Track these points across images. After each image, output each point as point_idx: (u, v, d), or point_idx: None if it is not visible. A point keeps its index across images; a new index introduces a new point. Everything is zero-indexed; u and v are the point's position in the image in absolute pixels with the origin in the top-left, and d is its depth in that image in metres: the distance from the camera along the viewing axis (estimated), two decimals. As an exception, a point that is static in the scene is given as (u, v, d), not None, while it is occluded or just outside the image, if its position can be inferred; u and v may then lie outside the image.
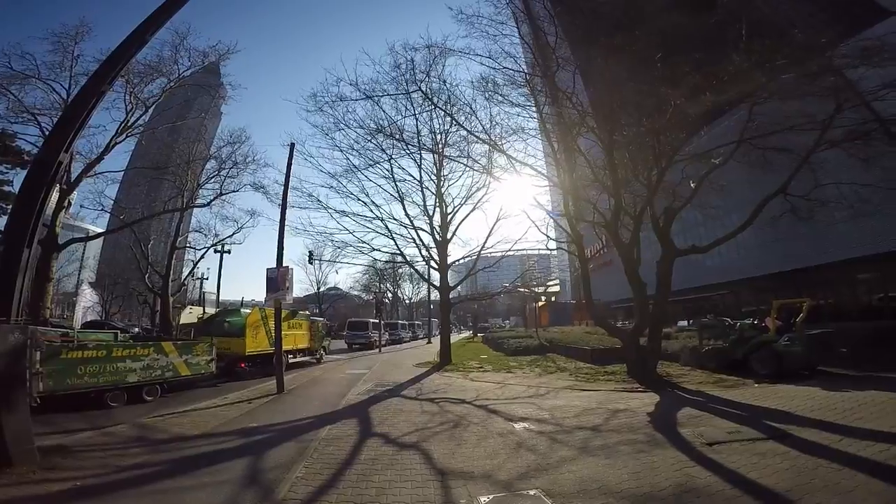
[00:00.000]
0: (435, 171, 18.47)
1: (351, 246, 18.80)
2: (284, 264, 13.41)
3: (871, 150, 11.81)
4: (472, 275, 19.56)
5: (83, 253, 56.94)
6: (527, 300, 40.12)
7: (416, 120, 17.12)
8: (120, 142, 24.81)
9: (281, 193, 15.87)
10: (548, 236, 19.32)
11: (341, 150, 17.71)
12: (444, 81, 15.57)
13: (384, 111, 16.91)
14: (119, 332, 13.19)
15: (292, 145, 14.40)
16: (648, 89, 13.22)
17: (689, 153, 14.90)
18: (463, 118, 15.73)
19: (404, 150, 17.45)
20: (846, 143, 11.72)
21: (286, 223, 13.72)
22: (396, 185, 18.21)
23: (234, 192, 29.28)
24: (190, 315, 19.85)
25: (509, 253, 20.08)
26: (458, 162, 17.47)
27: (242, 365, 15.44)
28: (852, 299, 21.93)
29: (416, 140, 17.41)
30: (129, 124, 24.40)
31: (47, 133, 22.92)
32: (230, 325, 16.52)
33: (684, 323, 26.70)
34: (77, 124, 6.54)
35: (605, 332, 17.73)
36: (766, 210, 12.83)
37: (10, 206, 27.42)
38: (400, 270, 68.70)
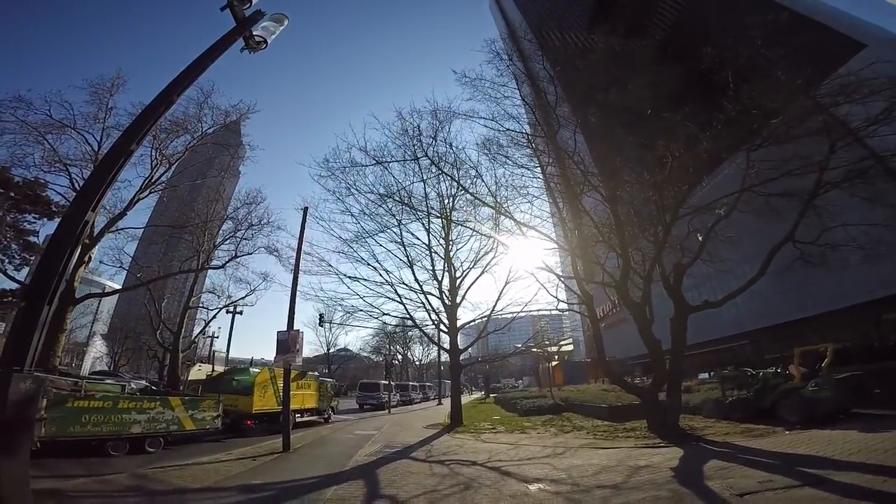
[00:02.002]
0: (443, 236, 18.81)
1: (361, 311, 18.79)
2: (295, 327, 13.43)
3: (873, 189, 11.89)
4: (482, 337, 19.26)
5: (97, 306, 57.70)
6: (539, 360, 39.03)
7: (424, 184, 17.74)
8: (143, 197, 25.75)
9: (293, 257, 16.36)
10: (557, 298, 19.23)
11: (352, 215, 18.20)
12: (451, 144, 16.35)
13: (393, 176, 17.63)
14: (126, 384, 13.05)
15: (305, 210, 14.92)
16: (647, 143, 13.76)
17: (694, 206, 15.12)
18: (469, 182, 16.35)
19: (413, 214, 17.94)
20: (846, 182, 11.78)
21: (298, 287, 13.87)
22: (406, 250, 18.50)
23: (248, 254, 29.94)
24: (199, 372, 19.67)
25: (520, 315, 19.87)
26: (465, 226, 17.93)
27: (249, 422, 15.09)
28: (879, 340, 21.08)
29: (424, 205, 17.90)
30: (153, 180, 25.42)
31: (77, 184, 24.03)
32: (238, 383, 16.35)
33: (705, 375, 25.72)
34: (106, 182, 6.92)
35: (622, 389, 17.13)
36: (777, 258, 12.74)
37: (33, 257, 28.37)
38: (410, 333, 68.30)
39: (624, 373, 32.85)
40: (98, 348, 58.19)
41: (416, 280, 18.20)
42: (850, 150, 12.01)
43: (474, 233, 18.89)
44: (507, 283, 18.61)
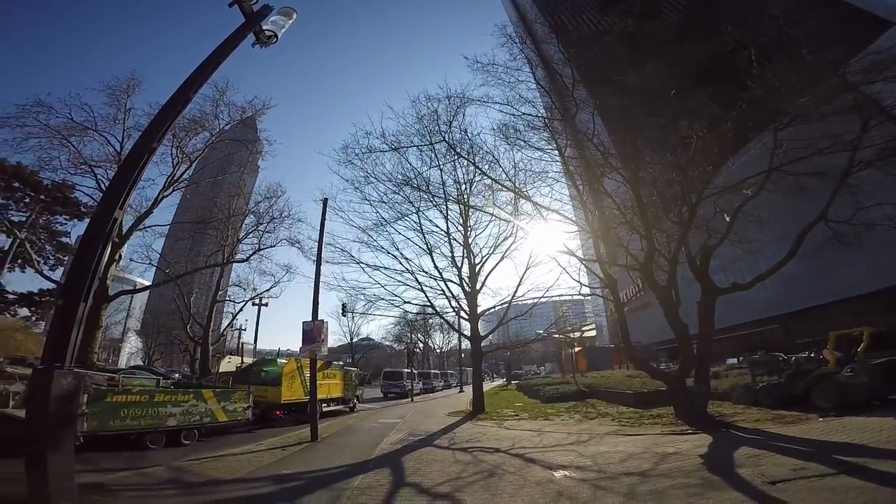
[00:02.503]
0: (461, 222, 18.76)
1: (383, 299, 19.01)
2: (319, 317, 13.68)
3: None
4: (503, 324, 19.23)
5: (130, 303, 59.96)
6: (562, 346, 38.82)
7: (441, 171, 17.67)
8: (167, 195, 26.50)
9: (315, 248, 16.58)
10: (580, 282, 19.02)
11: (371, 204, 18.32)
12: (466, 131, 16.21)
13: (410, 164, 17.69)
14: (161, 377, 13.59)
15: (325, 201, 15.00)
16: (669, 124, 13.32)
17: (720, 186, 14.62)
18: (486, 166, 16.15)
19: (430, 201, 17.92)
20: (880, 161, 11.27)
21: (320, 278, 14.07)
22: (425, 238, 18.55)
23: (271, 247, 30.61)
24: (229, 364, 20.32)
25: (541, 301, 19.72)
26: (484, 211, 17.80)
27: (278, 413, 15.55)
28: None
29: (441, 191, 17.88)
30: (175, 178, 26.04)
31: (102, 185, 24.69)
32: (267, 374, 16.80)
33: (733, 360, 25.18)
34: (131, 181, 7.09)
35: (648, 375, 16.92)
36: (809, 239, 12.28)
37: (66, 257, 29.54)
38: (430, 321, 68.76)
39: (649, 358, 32.39)
40: (133, 344, 60.69)
41: (436, 267, 18.30)
42: (883, 129, 11.42)
43: (493, 218, 18.76)
44: (527, 269, 18.51)
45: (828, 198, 12.02)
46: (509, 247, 18.96)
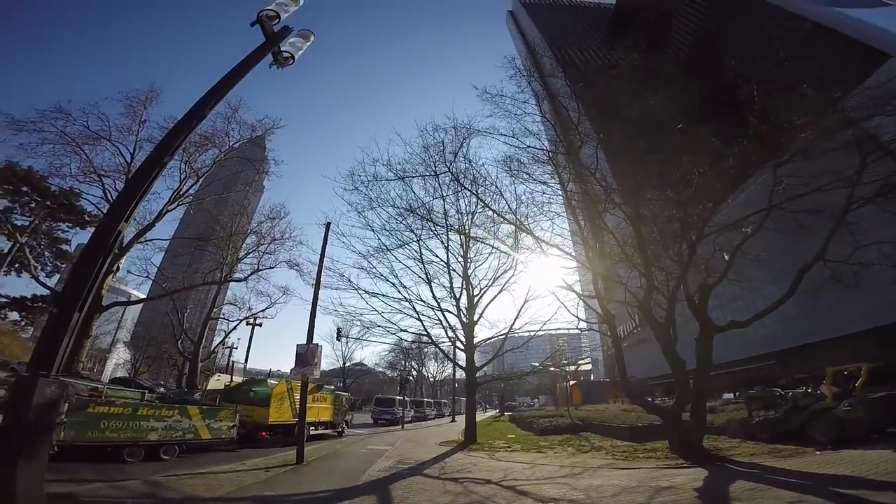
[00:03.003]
0: (462, 253, 18.71)
1: (379, 326, 18.64)
2: (314, 341, 13.44)
3: None
4: (499, 356, 18.88)
5: (122, 314, 59.16)
6: (557, 379, 38.19)
7: (444, 200, 17.72)
8: (171, 210, 26.50)
9: (314, 272, 16.56)
10: (578, 317, 18.88)
11: (373, 230, 18.25)
12: (471, 161, 16.27)
13: (414, 192, 17.68)
14: (146, 391, 13.17)
15: (328, 225, 14.99)
16: (671, 160, 13.47)
17: (719, 224, 14.69)
18: (489, 198, 16.18)
19: (432, 230, 17.91)
20: (879, 197, 11.26)
21: (318, 301, 13.91)
22: (424, 267, 18.40)
23: (270, 268, 30.53)
24: (217, 382, 19.79)
25: (538, 334, 19.39)
26: (485, 243, 17.72)
27: (264, 434, 15.06)
28: None
29: (443, 221, 17.82)
30: (181, 193, 26.09)
31: (109, 195, 24.80)
32: (256, 394, 16.38)
33: (730, 395, 24.82)
34: (139, 194, 7.07)
35: (643, 409, 16.56)
36: (807, 277, 12.24)
37: (64, 265, 29.29)
38: (426, 350, 67.85)
39: (645, 393, 31.86)
40: (120, 355, 59.45)
41: (434, 297, 18.09)
42: (882, 164, 11.51)
43: (493, 251, 18.75)
44: (525, 302, 18.34)
45: (825, 236, 12.04)
46: (508, 280, 18.86)
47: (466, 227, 18.00)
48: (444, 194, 17.28)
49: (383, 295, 18.20)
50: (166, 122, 25.42)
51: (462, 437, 19.64)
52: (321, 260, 14.03)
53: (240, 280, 30.30)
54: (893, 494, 5.80)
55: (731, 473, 8.69)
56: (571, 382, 35.68)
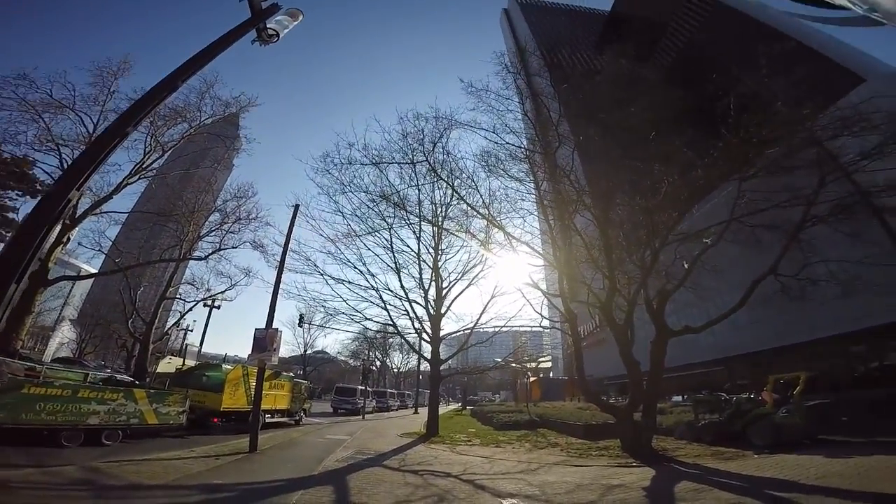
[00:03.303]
0: (433, 245, 18.55)
1: (343, 314, 18.21)
2: (274, 326, 12.98)
3: (856, 225, 12.15)
4: (464, 349, 18.88)
5: (70, 290, 55.63)
6: (518, 375, 38.81)
7: (419, 190, 17.47)
8: (132, 182, 24.97)
9: (279, 254, 16.04)
10: (542, 315, 19.15)
11: (344, 216, 17.76)
12: (449, 153, 16.08)
13: (388, 180, 17.34)
14: (89, 372, 12.21)
15: (296, 206, 14.51)
16: (643, 167, 13.78)
17: (682, 233, 15.20)
18: (464, 191, 16.10)
19: (405, 219, 17.63)
20: (831, 217, 11.92)
21: (280, 285, 13.44)
22: (394, 256, 18.11)
23: (233, 248, 29.25)
24: (169, 364, 18.75)
25: (503, 329, 19.56)
26: (457, 235, 17.63)
27: (215, 420, 14.43)
28: (847, 371, 21.62)
29: (417, 211, 17.59)
30: (143, 166, 24.73)
31: (66, 165, 23.28)
32: (209, 379, 15.70)
33: (678, 398, 25.89)
34: (96, 163, 6.55)
35: (598, 408, 17.01)
36: (757, 289, 12.89)
37: (9, 233, 27.18)
38: (391, 340, 67.39)
39: (600, 392, 32.76)
40: (65, 333, 55.92)
41: (402, 287, 17.88)
42: (838, 185, 12.21)
43: (464, 244, 18.74)
44: (492, 297, 18.47)
45: (779, 251, 12.66)
46: (477, 274, 18.90)
47: (440, 218, 17.84)
48: (420, 184, 17.05)
49: (350, 282, 17.89)
50: (136, 94, 24.11)
51: (424, 429, 19.62)
52: (286, 242, 13.60)
53: (200, 258, 28.98)
54: (823, 498, 6.10)
55: (676, 474, 9.02)
56: (532, 379, 36.33)
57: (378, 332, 32.17)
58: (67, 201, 6.36)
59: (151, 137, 24.47)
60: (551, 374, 55.04)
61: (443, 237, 18.59)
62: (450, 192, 16.61)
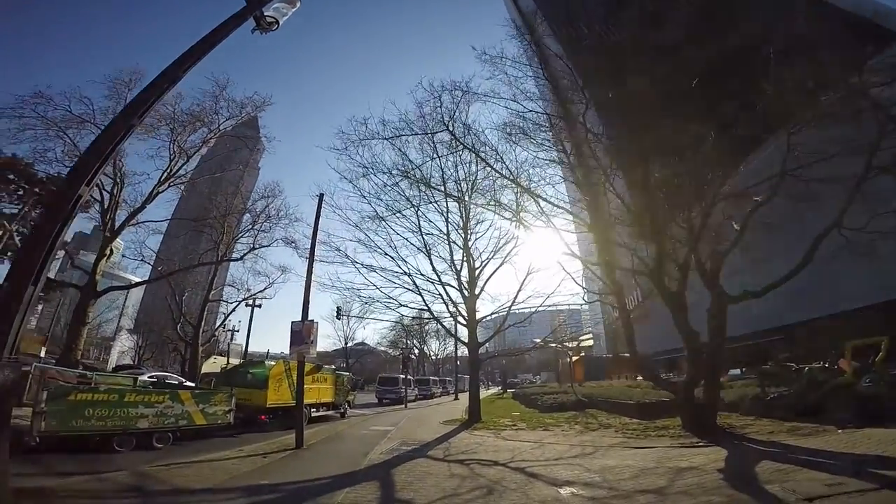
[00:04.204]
0: (461, 225, 17.94)
1: (378, 302, 17.96)
2: (310, 318, 12.84)
3: None
4: (502, 330, 18.32)
5: (125, 300, 58.78)
6: (559, 355, 37.99)
7: (441, 168, 16.78)
8: (162, 191, 25.81)
9: (309, 247, 15.88)
10: (584, 287, 18.32)
11: (366, 199, 17.39)
12: (469, 127, 15.17)
13: (409, 159, 16.74)
14: (138, 376, 12.57)
15: (321, 196, 14.31)
16: (682, 125, 12.65)
17: (730, 191, 13.97)
18: (490, 161, 15.25)
19: (429, 198, 17.12)
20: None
21: (314, 277, 13.26)
22: (423, 239, 17.67)
23: (266, 246, 30.03)
24: (214, 364, 19.23)
25: (541, 308, 18.67)
26: (486, 209, 16.81)
27: (263, 417, 14.55)
28: None
29: (442, 188, 16.97)
30: (172, 173, 25.41)
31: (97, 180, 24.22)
32: (253, 376, 15.81)
33: (735, 371, 24.35)
34: (103, 157, 6.37)
35: (653, 384, 16.16)
36: (821, 247, 11.62)
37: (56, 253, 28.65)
38: (427, 327, 67.67)
39: (646, 369, 31.60)
40: (124, 342, 59.24)
41: (434, 269, 17.43)
42: None
43: (493, 223, 18.09)
44: (528, 274, 17.75)
45: (839, 206, 11.40)
46: (510, 251, 18.21)
47: (466, 192, 17.12)
48: (442, 155, 16.15)
49: (382, 269, 17.56)
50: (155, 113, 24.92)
51: (466, 415, 19.34)
52: (314, 232, 13.39)
53: (236, 259, 29.86)
54: None
55: (753, 453, 8.20)
56: (574, 358, 35.42)
57: (414, 318, 32.18)
58: (79, 197, 6.17)
59: (174, 143, 25.12)
60: (593, 353, 53.75)
61: (471, 215, 17.97)
62: (474, 166, 15.80)
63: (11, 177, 26.49)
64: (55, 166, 24.95)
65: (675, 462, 7.90)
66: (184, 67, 6.79)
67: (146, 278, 34.32)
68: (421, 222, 17.61)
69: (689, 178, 13.02)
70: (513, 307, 17.56)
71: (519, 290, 17.60)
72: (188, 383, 19.98)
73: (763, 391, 13.89)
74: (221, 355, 34.32)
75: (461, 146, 14.84)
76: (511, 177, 14.76)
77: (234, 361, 20.31)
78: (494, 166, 14.88)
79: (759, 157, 18.15)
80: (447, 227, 17.67)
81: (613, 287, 13.89)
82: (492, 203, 15.96)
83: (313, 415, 17.12)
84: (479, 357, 18.27)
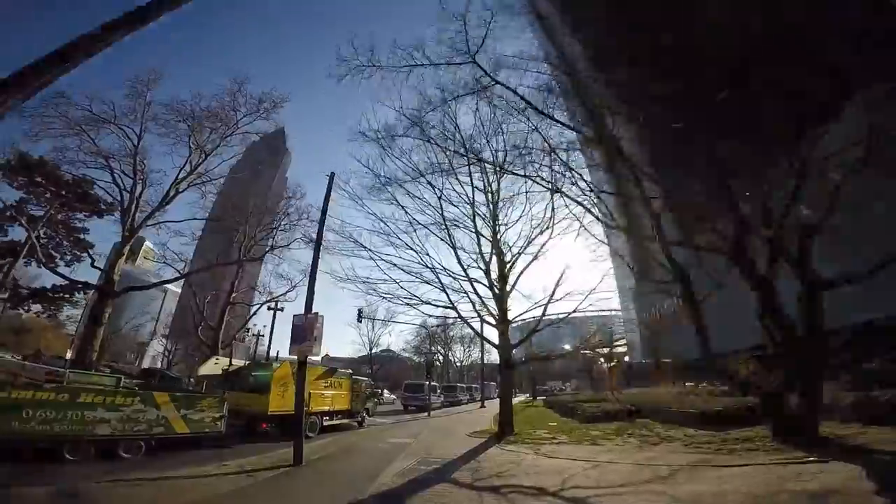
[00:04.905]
0: (489, 214, 15.56)
1: (398, 298, 15.45)
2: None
3: None
4: (538, 330, 15.61)
5: (161, 306, 58.92)
6: (594, 361, 34.77)
7: (460, 131, 14.33)
8: (182, 190, 24.96)
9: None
10: (631, 268, 15.50)
11: (375, 174, 15.26)
12: (499, 63, 12.10)
13: (428, 100, 13.92)
14: (123, 376, 10.63)
15: (332, 175, 12.37)
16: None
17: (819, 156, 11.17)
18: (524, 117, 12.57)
19: (451, 170, 14.77)
20: None
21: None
22: (447, 227, 15.34)
23: (284, 246, 28.68)
24: (215, 365, 17.31)
25: (581, 308, 15.71)
26: (516, 174, 13.81)
27: (264, 425, 12.36)
28: None
29: (464, 151, 14.38)
30: (191, 170, 24.56)
31: (118, 179, 23.43)
32: (256, 379, 13.74)
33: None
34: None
35: (711, 391, 13.38)
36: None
37: (82, 254, 27.84)
38: (451, 333, 65.06)
39: (688, 374, 28.20)
40: (156, 347, 59.09)
41: (459, 262, 15.07)
42: None
43: (525, 209, 15.65)
44: (566, 269, 15.19)
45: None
46: (543, 244, 15.62)
47: (494, 152, 14.52)
48: (460, 96, 12.96)
49: (404, 262, 15.24)
50: (174, 102, 24.26)
51: (495, 425, 16.84)
52: (323, 212, 11.45)
53: (254, 259, 28.43)
54: None
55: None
56: (611, 364, 32.09)
57: (438, 318, 29.52)
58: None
59: (191, 139, 24.13)
60: (626, 359, 49.84)
61: (500, 198, 15.54)
62: (516, 98, 12.73)
63: (40, 179, 26.08)
64: (78, 167, 24.45)
65: (798, 484, 5.47)
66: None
67: (180, 283, 33.48)
68: (444, 212, 15.33)
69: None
70: (551, 301, 14.89)
71: (557, 285, 14.92)
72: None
73: (867, 394, 10.85)
74: (251, 360, 32.67)
75: (489, 87, 11.98)
76: (548, 148, 12.35)
77: (239, 362, 18.21)
78: (529, 121, 12.33)
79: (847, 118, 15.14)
80: (473, 212, 15.35)
81: (675, 273, 11.20)
82: (528, 166, 13.16)
83: (326, 423, 14.96)
84: (512, 360, 15.66)
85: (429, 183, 14.72)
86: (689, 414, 13.77)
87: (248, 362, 17.72)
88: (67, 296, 29.41)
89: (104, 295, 22.80)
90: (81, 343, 22.08)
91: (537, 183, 12.92)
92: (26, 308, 30.34)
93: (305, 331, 10.10)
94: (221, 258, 33.18)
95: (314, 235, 25.25)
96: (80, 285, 25.01)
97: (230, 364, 17.41)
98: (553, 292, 15.13)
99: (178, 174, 24.16)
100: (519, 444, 11.96)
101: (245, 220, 29.13)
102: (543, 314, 15.06)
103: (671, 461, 8.33)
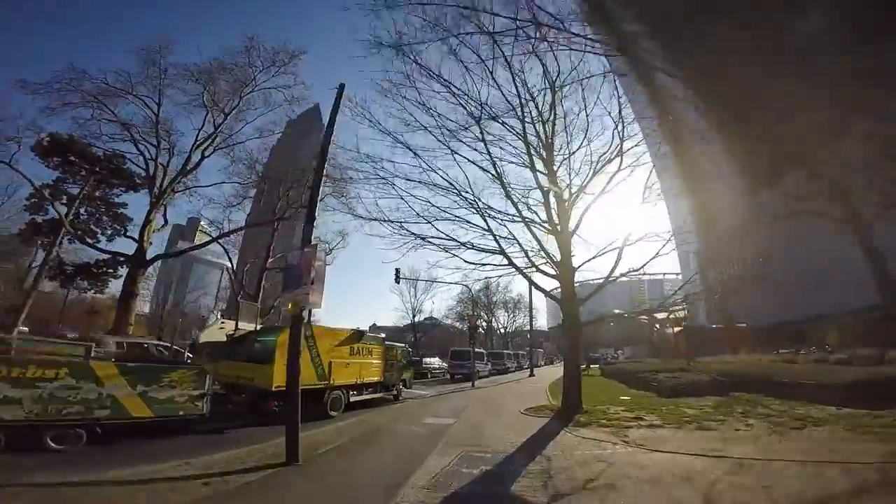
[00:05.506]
0: (543, 143, 11.97)
1: (432, 243, 12.32)
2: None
3: None
4: (612, 280, 11.95)
5: (219, 281, 59.82)
6: (661, 325, 30.62)
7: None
8: (208, 155, 24.01)
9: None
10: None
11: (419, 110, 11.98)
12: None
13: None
14: (92, 346, 8.25)
15: (342, 86, 9.19)
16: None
17: None
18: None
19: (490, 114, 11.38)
20: None
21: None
22: (493, 160, 11.88)
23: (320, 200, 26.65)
24: (220, 331, 15.13)
25: (662, 251, 12.00)
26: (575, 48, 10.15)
27: (273, 404, 9.41)
28: None
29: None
30: (213, 131, 23.41)
31: (142, 150, 22.72)
32: (261, 346, 10.72)
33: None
34: None
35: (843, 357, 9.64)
36: None
37: (122, 228, 27.09)
38: (494, 298, 61.72)
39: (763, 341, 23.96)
40: (211, 322, 60.30)
41: (509, 196, 11.65)
42: None
43: (587, 137, 11.96)
44: (645, 198, 11.46)
45: None
46: (613, 174, 11.80)
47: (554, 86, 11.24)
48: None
49: (434, 185, 12.10)
50: (188, 70, 23.02)
51: (552, 398, 13.78)
52: (331, 124, 8.38)
53: (284, 219, 26.55)
54: None
55: None
56: (677, 329, 27.85)
57: (480, 290, 26.26)
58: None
59: (204, 96, 22.86)
60: (684, 324, 44.78)
61: (556, 131, 11.94)
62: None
63: (73, 158, 25.13)
64: (104, 140, 23.60)
65: None
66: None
67: (235, 260, 32.79)
68: (487, 140, 11.79)
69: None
70: (626, 244, 11.22)
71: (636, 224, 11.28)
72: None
73: None
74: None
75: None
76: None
77: (248, 326, 15.78)
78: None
79: None
80: (523, 128, 11.79)
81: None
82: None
83: (353, 398, 12.40)
84: (580, 318, 12.13)
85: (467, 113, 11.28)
86: (825, 387, 10.00)
87: (259, 327, 15.27)
88: (111, 270, 29.12)
89: (137, 264, 21.73)
90: (118, 314, 21.15)
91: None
92: (75, 286, 30.30)
93: (301, 271, 7.15)
94: (265, 230, 31.86)
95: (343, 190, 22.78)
96: (121, 258, 24.08)
97: (236, 329, 15.16)
98: (628, 236, 11.50)
99: (198, 135, 22.49)
100: (596, 429, 8.71)
101: (278, 184, 27.25)
102: (618, 261, 11.49)
103: (856, 457, 4.91)
